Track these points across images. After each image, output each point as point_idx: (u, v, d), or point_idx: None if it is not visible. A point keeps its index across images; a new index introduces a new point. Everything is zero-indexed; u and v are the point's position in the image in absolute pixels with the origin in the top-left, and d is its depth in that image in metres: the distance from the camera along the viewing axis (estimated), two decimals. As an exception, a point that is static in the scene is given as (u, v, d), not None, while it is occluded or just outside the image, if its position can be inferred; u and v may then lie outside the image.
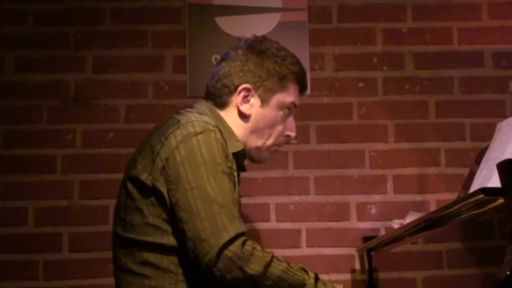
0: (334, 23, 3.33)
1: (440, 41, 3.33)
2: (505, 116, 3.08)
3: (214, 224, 1.90)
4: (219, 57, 3.22)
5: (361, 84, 3.29)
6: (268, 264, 1.93)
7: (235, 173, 2.10)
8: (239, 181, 2.22)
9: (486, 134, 2.97)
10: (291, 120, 2.31)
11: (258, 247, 1.95)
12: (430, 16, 3.34)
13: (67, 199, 3.18)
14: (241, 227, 1.94)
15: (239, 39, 2.30)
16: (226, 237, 1.88)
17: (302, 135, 3.21)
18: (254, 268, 1.91)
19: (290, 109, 2.28)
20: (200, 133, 1.99)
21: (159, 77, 3.28)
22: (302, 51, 3.23)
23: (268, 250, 1.98)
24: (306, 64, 3.21)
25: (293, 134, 2.32)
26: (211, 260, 1.87)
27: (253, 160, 2.31)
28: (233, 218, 1.93)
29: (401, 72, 3.30)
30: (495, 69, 3.30)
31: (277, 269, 1.95)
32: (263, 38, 2.29)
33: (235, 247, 1.89)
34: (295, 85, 2.27)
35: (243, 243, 1.91)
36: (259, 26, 3.27)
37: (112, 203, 3.12)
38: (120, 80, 3.27)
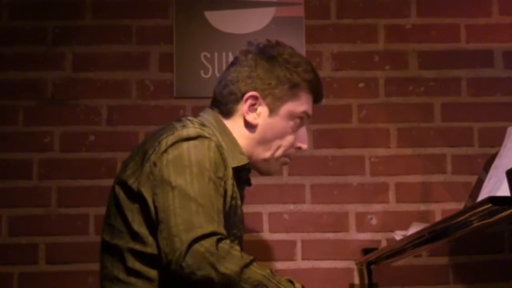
0: (333, 19, 3.34)
1: (446, 39, 3.34)
2: (516, 120, 3.10)
3: (189, 220, 1.88)
4: (209, 55, 3.26)
5: (361, 85, 3.30)
6: (246, 266, 1.90)
7: (234, 190, 2.11)
8: (242, 196, 2.25)
9: (496, 139, 2.98)
10: (303, 131, 2.31)
11: (237, 248, 1.92)
12: (436, 12, 3.35)
13: (44, 207, 3.18)
14: (219, 229, 1.91)
15: (250, 43, 2.31)
16: (200, 233, 1.86)
17: (298, 139, 3.22)
18: (228, 267, 1.86)
19: (302, 118, 2.28)
20: (193, 138, 2.01)
21: (144, 75, 3.28)
22: (298, 49, 3.17)
23: (260, 262, 1.98)
24: (302, 62, 3.22)
25: (304, 146, 2.32)
26: (180, 255, 1.84)
27: (261, 172, 2.33)
28: (211, 219, 1.91)
29: (405, 72, 3.31)
30: (506, 69, 3.31)
31: (256, 273, 1.91)
32: (276, 43, 2.30)
33: (208, 242, 1.86)
34: (308, 94, 2.27)
35: (219, 240, 1.88)
36: (252, 21, 3.28)
37: (92, 211, 3.14)
38: (101, 78, 3.27)
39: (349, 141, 3.26)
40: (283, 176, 3.22)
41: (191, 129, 2.04)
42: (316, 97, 2.32)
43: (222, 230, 1.93)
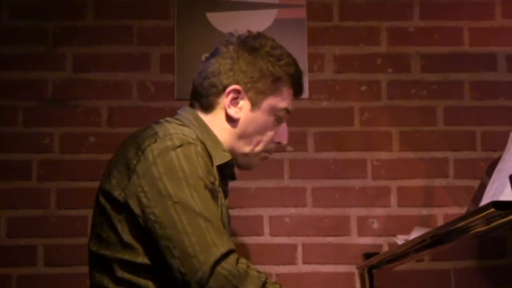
0: (335, 21, 3.34)
1: (449, 42, 3.33)
2: (519, 124, 3.10)
3: (202, 239, 1.87)
4: (210, 56, 3.26)
5: (363, 88, 3.30)
6: (263, 285, 1.91)
7: (218, 189, 2.09)
8: (226, 193, 2.23)
9: (499, 143, 2.97)
10: (283, 127, 2.29)
11: (252, 266, 1.93)
12: (439, 14, 3.35)
13: (43, 208, 3.17)
14: (230, 244, 1.92)
15: (231, 34, 2.28)
16: (218, 253, 1.86)
17: (299, 142, 3.21)
18: None
19: (283, 115, 2.26)
20: (179, 146, 1.97)
21: (145, 77, 3.28)
22: (300, 51, 3.23)
23: (260, 266, 1.97)
24: (304, 65, 3.22)
25: (284, 142, 2.31)
26: (203, 278, 1.84)
27: (240, 167, 2.29)
28: (221, 234, 1.91)
29: (407, 75, 3.31)
30: (509, 73, 3.30)
31: None
32: (258, 34, 2.27)
33: (229, 264, 1.87)
34: (290, 89, 2.25)
35: (237, 261, 1.89)
36: (254, 23, 3.27)
37: (91, 213, 3.13)
38: (102, 79, 3.27)
39: (351, 144, 3.25)
40: (284, 179, 3.22)
41: (174, 136, 1.99)
42: (297, 91, 2.30)
43: (231, 243, 1.93)
